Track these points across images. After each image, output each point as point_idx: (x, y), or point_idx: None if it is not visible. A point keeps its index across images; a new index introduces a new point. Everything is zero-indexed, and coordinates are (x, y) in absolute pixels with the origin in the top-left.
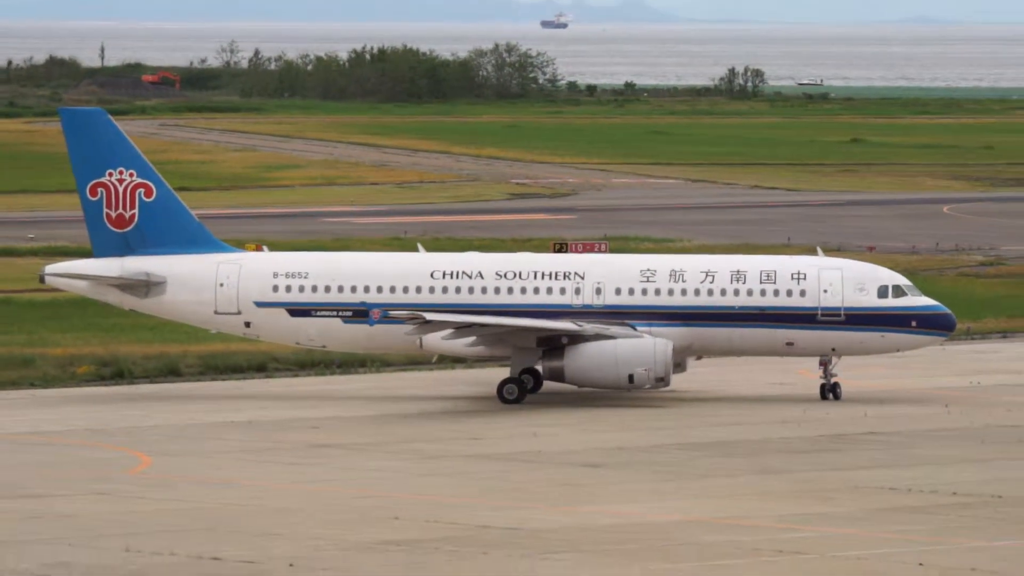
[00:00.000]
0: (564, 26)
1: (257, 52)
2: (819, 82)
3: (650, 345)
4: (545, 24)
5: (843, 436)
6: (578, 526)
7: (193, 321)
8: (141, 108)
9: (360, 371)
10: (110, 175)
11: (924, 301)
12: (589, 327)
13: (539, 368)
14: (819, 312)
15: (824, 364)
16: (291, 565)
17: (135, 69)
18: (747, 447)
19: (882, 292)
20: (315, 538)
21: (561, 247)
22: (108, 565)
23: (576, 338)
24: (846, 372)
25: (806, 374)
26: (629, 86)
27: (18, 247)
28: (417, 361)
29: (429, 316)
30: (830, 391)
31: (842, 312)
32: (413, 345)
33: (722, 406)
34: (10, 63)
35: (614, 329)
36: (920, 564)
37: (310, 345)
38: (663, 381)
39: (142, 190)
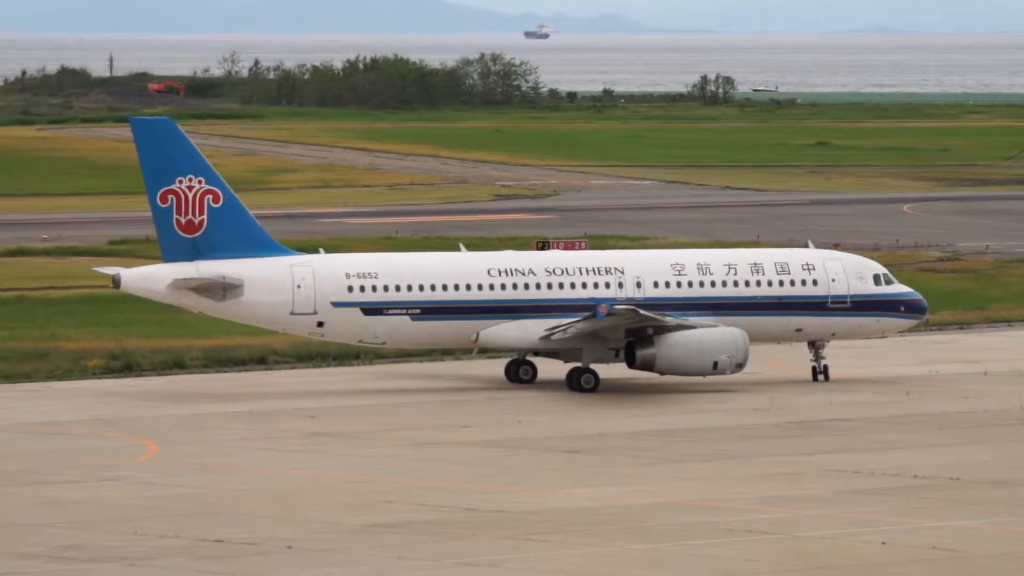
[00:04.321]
0: (546, 36)
1: (257, 62)
2: (775, 88)
3: (730, 334)
4: (528, 35)
5: (809, 422)
6: (561, 509)
7: (265, 323)
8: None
9: (354, 363)
10: (180, 182)
11: (905, 288)
12: (671, 319)
13: (635, 354)
14: (829, 300)
15: (817, 348)
16: (289, 547)
17: (142, 78)
18: (719, 433)
19: (876, 280)
20: (312, 521)
21: (543, 245)
22: (117, 547)
23: (660, 328)
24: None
25: (776, 364)
26: (607, 93)
27: (32, 247)
28: (409, 353)
29: (643, 312)
30: (820, 373)
31: (848, 299)
32: (469, 340)
33: (695, 394)
34: (24, 73)
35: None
36: (883, 543)
37: (373, 343)
38: (742, 367)
39: (210, 196)
